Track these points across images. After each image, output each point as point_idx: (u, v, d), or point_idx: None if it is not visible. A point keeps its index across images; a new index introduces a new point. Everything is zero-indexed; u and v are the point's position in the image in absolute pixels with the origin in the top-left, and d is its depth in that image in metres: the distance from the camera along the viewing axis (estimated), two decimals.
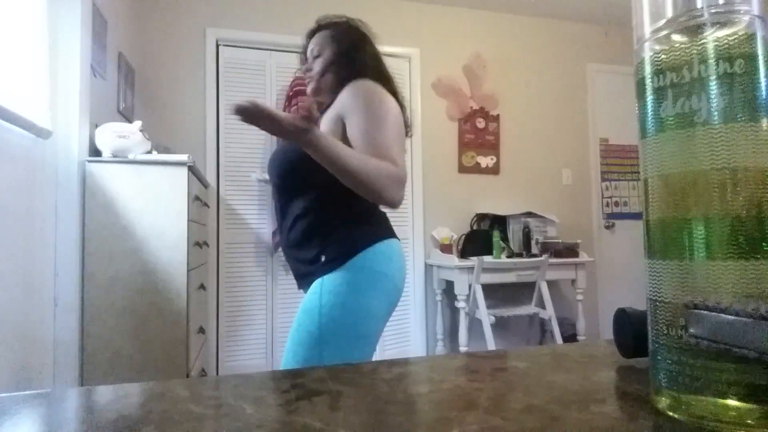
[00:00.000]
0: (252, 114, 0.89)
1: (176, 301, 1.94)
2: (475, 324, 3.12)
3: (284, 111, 3.12)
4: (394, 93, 1.21)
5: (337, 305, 1.06)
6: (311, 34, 1.31)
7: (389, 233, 1.18)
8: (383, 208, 1.17)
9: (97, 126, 2.04)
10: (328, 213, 1.14)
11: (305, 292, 1.15)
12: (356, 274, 1.08)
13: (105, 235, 1.89)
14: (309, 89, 1.27)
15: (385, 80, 1.21)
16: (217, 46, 3.19)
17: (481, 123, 3.68)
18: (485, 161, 3.69)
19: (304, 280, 1.16)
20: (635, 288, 3.92)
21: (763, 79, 0.24)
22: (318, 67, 1.24)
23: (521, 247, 3.39)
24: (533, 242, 3.38)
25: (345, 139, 1.11)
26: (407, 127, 1.24)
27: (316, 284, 1.10)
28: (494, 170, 3.71)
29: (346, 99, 1.13)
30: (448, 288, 3.32)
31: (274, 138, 3.20)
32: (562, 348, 0.43)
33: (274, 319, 3.15)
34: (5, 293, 1.46)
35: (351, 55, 1.23)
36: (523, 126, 3.81)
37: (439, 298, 3.40)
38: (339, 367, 0.38)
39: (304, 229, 1.14)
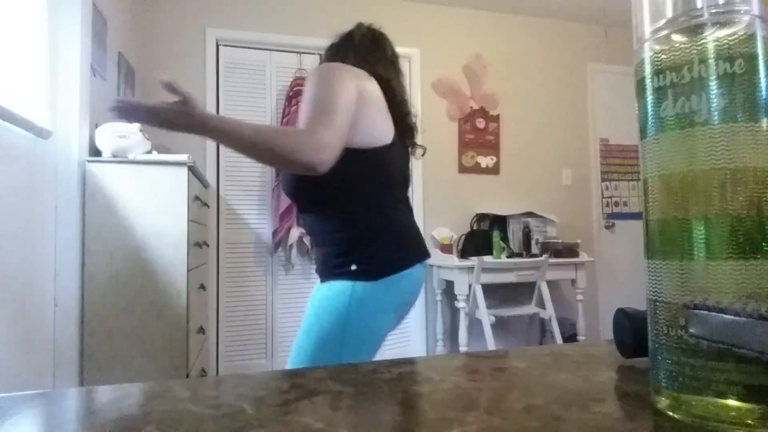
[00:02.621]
0: (127, 110, 0.88)
1: (176, 301, 1.94)
2: (475, 324, 3.12)
3: (284, 111, 3.14)
4: (388, 81, 1.19)
5: (366, 316, 1.06)
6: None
7: (422, 255, 1.17)
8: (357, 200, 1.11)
9: (97, 126, 2.04)
10: (364, 222, 1.11)
11: (321, 281, 1.15)
12: (389, 292, 1.09)
13: (105, 235, 1.89)
14: None
15: (370, 57, 1.20)
16: (217, 46, 3.19)
17: (481, 123, 3.68)
18: (485, 161, 3.69)
19: (327, 273, 1.13)
20: (635, 288, 3.92)
21: (763, 79, 0.24)
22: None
23: (521, 247, 3.39)
24: (533, 242, 3.38)
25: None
26: (406, 130, 1.23)
27: (346, 287, 1.07)
28: (494, 170, 3.71)
29: None
30: (448, 288, 3.32)
31: None
32: (562, 348, 0.43)
33: (274, 319, 3.15)
34: (5, 293, 1.46)
35: (349, 43, 1.24)
36: (523, 126, 3.81)
37: (439, 298, 3.40)
38: (339, 367, 0.38)
39: (333, 234, 1.12)
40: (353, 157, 1.07)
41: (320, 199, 1.12)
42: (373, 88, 1.13)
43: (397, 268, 1.10)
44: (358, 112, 1.08)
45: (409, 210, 1.22)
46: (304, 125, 0.99)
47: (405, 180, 1.24)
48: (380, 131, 1.14)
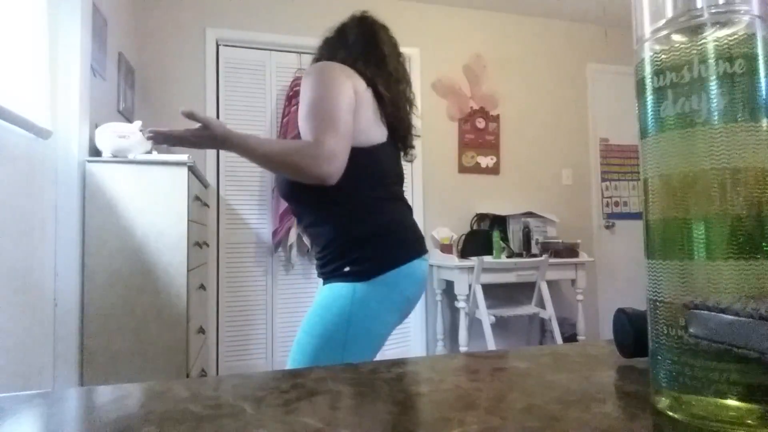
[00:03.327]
0: (158, 138, 1.00)
1: (176, 301, 1.94)
2: (475, 324, 3.12)
3: (284, 111, 3.14)
4: (387, 82, 1.18)
5: (368, 316, 1.06)
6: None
7: (418, 251, 1.16)
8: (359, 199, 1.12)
9: (97, 126, 2.04)
10: (355, 224, 1.11)
11: (324, 283, 1.15)
12: (389, 291, 1.09)
13: (105, 235, 1.89)
14: None
15: (361, 58, 1.18)
16: (217, 46, 3.19)
17: (481, 123, 3.68)
18: (485, 161, 3.69)
19: (327, 275, 1.14)
20: (635, 288, 3.92)
21: (763, 79, 0.24)
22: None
23: (521, 247, 3.39)
24: (533, 242, 3.38)
25: None
26: (384, 104, 1.18)
27: (347, 288, 1.07)
28: (494, 170, 3.71)
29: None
30: (448, 288, 3.32)
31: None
32: (562, 348, 0.43)
33: (274, 319, 3.15)
34: (5, 293, 1.46)
35: (344, 38, 1.23)
36: (523, 126, 3.81)
37: (439, 298, 3.40)
38: (339, 367, 0.38)
39: (326, 237, 1.12)
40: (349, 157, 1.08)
41: (314, 201, 1.12)
42: (363, 86, 1.14)
43: (393, 266, 1.09)
44: (356, 111, 1.09)
45: (406, 207, 1.21)
46: (312, 136, 1.02)
47: (399, 177, 1.23)
48: (374, 130, 1.14)
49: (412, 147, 1.29)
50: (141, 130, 1.01)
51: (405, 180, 1.29)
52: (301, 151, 1.00)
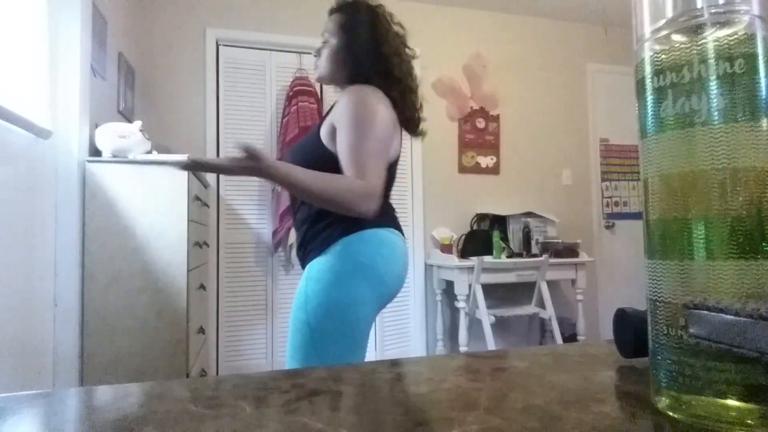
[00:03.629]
0: (199, 168, 0.96)
1: (176, 301, 1.94)
2: (475, 324, 3.11)
3: (284, 111, 3.14)
4: (402, 93, 1.20)
5: (319, 292, 1.07)
6: (330, 13, 1.30)
7: (383, 224, 1.14)
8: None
9: (97, 126, 2.04)
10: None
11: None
12: (338, 260, 1.08)
13: (105, 235, 1.89)
14: (315, 77, 1.31)
15: (393, 81, 1.19)
16: (217, 46, 3.19)
17: (481, 123, 3.68)
18: (485, 161, 3.69)
19: (302, 264, 1.19)
20: (635, 288, 3.92)
21: (763, 79, 0.24)
22: (323, 58, 1.25)
23: (521, 247, 3.39)
24: (533, 242, 3.38)
25: None
26: (412, 128, 1.24)
27: (305, 270, 1.14)
28: (494, 170, 3.71)
29: (339, 108, 1.14)
30: (448, 288, 3.32)
31: (274, 139, 3.20)
32: (562, 348, 0.43)
33: (274, 319, 3.15)
34: (5, 293, 1.46)
35: (354, 50, 1.21)
36: (523, 126, 3.81)
37: (439, 298, 3.40)
38: (339, 367, 0.38)
39: (302, 216, 1.18)
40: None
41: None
42: (391, 110, 1.18)
43: (350, 232, 1.10)
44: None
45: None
46: (359, 173, 1.04)
47: None
48: (396, 148, 1.20)
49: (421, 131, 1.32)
50: (176, 163, 0.95)
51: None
52: (351, 189, 1.01)
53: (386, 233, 1.14)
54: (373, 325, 1.24)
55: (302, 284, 1.12)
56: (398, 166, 1.27)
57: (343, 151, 1.08)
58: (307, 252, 1.16)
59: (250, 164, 0.94)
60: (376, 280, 1.10)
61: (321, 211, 1.12)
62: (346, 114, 1.10)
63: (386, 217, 1.17)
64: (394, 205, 1.27)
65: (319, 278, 1.08)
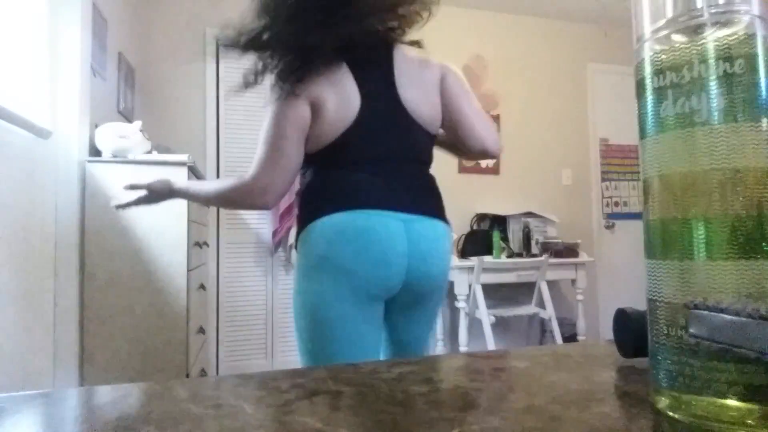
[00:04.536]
0: (133, 204, 1.20)
1: (176, 301, 1.94)
2: (475, 324, 3.11)
3: None
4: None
5: (294, 293, 1.07)
6: None
7: (340, 207, 1.01)
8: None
9: (97, 126, 2.04)
10: (302, 192, 1.13)
11: None
12: (301, 258, 1.05)
13: (105, 235, 1.89)
14: None
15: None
16: (217, 46, 3.19)
17: None
18: (485, 161, 3.69)
19: None
20: (635, 288, 3.92)
21: (763, 79, 0.24)
22: None
23: (521, 247, 3.39)
24: (533, 242, 3.38)
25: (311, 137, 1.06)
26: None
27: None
28: (494, 170, 3.71)
29: None
30: (448, 288, 3.31)
31: None
32: (562, 348, 0.43)
33: (274, 319, 3.15)
34: (5, 293, 1.46)
35: None
36: (523, 126, 3.81)
37: None
38: (339, 367, 0.38)
39: None
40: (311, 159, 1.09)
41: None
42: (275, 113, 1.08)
43: (308, 224, 1.04)
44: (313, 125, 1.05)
45: (374, 170, 1.05)
46: (252, 169, 1.06)
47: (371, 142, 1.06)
48: (337, 122, 1.05)
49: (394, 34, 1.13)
50: (125, 187, 1.10)
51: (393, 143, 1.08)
52: (237, 190, 1.06)
53: (344, 217, 1.00)
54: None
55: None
56: None
57: None
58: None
59: (149, 195, 1.16)
60: (341, 272, 0.99)
61: (301, 204, 1.10)
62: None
63: (341, 197, 1.02)
64: None
65: (295, 276, 1.07)
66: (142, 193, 1.17)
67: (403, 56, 1.16)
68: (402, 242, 1.02)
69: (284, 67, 1.08)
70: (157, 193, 1.16)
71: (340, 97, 1.05)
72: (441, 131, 1.22)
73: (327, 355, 1.01)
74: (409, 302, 1.09)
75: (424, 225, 1.06)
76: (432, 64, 1.20)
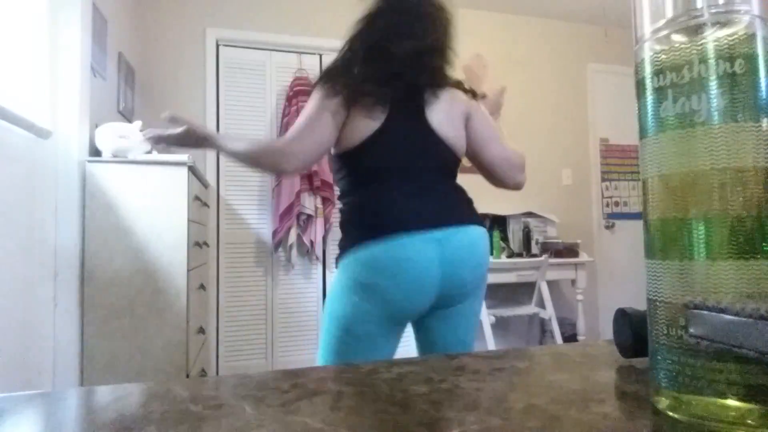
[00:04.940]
0: (153, 139, 1.18)
1: (176, 301, 1.94)
2: None
3: (284, 111, 3.14)
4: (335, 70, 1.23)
5: (330, 301, 1.11)
6: None
7: (374, 233, 1.05)
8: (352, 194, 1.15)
9: (97, 126, 2.04)
10: (341, 205, 1.20)
11: None
12: (343, 275, 1.09)
13: (105, 235, 1.89)
14: None
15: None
16: (217, 46, 3.19)
17: None
18: None
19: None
20: (635, 288, 3.92)
21: (763, 79, 0.24)
22: None
23: (521, 247, 3.39)
24: (533, 242, 3.38)
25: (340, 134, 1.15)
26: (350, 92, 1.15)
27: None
28: None
29: None
30: None
31: (275, 138, 3.20)
32: (562, 348, 0.43)
33: (274, 319, 3.15)
34: (5, 293, 1.46)
35: None
36: (523, 126, 3.81)
37: None
38: (339, 367, 0.38)
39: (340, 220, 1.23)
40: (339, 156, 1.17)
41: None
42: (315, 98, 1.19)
43: (349, 249, 1.08)
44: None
45: (384, 188, 1.10)
46: (288, 134, 1.12)
47: (409, 155, 1.12)
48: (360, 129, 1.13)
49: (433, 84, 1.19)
50: (141, 131, 1.10)
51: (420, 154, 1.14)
52: (266, 150, 1.11)
53: (381, 247, 1.04)
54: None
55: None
56: None
57: None
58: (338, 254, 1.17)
59: (185, 134, 1.13)
60: (380, 300, 1.05)
61: (342, 222, 1.15)
62: None
63: (377, 223, 1.06)
64: None
65: (332, 287, 1.13)
66: (180, 130, 1.14)
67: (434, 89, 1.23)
68: (437, 265, 1.06)
69: (345, 73, 1.20)
70: (192, 134, 1.14)
71: (368, 109, 1.14)
72: (465, 160, 1.29)
73: (347, 358, 1.10)
74: (444, 306, 1.15)
75: (458, 236, 1.09)
76: (460, 99, 1.25)
